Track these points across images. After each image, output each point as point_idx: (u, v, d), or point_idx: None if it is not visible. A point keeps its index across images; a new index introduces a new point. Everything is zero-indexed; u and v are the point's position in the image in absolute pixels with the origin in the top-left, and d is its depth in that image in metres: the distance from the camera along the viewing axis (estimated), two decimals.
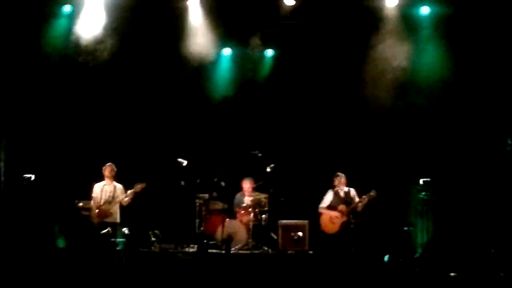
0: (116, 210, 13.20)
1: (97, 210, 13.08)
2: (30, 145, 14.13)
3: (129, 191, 13.09)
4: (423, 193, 13.21)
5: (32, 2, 13.79)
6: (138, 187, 13.04)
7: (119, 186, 13.27)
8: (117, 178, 13.33)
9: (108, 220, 13.05)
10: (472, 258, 12.24)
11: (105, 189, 13.23)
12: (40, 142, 14.26)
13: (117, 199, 13.13)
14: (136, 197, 13.14)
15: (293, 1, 13.84)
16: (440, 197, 13.46)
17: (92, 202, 13.16)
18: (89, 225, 13.03)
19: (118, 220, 13.18)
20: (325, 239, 13.22)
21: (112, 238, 12.71)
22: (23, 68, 14.05)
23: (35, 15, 13.90)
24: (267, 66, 15.24)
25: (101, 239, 12.66)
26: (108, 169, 13.26)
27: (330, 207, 13.35)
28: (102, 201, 13.14)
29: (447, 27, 13.94)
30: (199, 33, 14.21)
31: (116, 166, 13.38)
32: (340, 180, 13.41)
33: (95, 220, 13.05)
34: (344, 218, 13.13)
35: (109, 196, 13.14)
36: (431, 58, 13.98)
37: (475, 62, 13.78)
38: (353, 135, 14.59)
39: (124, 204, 13.18)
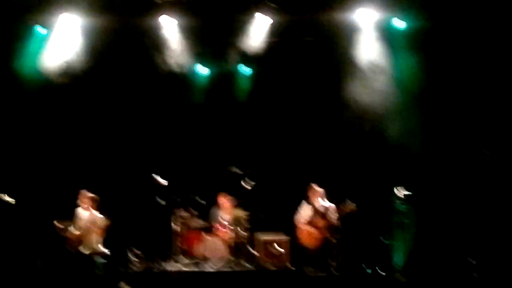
0: (97, 240, 13.00)
1: (76, 239, 12.90)
2: (6, 166, 13.97)
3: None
4: (401, 203, 13.14)
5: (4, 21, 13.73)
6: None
7: (99, 216, 13.09)
8: (94, 205, 13.23)
9: (86, 250, 12.89)
10: (453, 269, 12.33)
11: (84, 216, 13.09)
12: (16, 162, 14.11)
13: (96, 228, 12.97)
14: (113, 216, 13.08)
15: (271, 19, 13.85)
16: (419, 207, 13.39)
17: (72, 228, 12.95)
18: (68, 247, 12.91)
19: (98, 249, 12.98)
20: (305, 255, 13.07)
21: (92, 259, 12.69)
22: None
23: (7, 36, 13.87)
24: (244, 83, 15.27)
25: (80, 259, 12.67)
26: (86, 199, 13.16)
27: (310, 222, 13.16)
28: (82, 231, 12.93)
29: (424, 40, 13.93)
30: (173, 51, 14.15)
31: (93, 185, 13.35)
32: (315, 192, 13.29)
33: (74, 247, 12.89)
34: (325, 234, 12.98)
35: (87, 225, 12.97)
36: (408, 70, 13.97)
37: (451, 73, 13.81)
38: (331, 146, 14.59)
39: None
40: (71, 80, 14.00)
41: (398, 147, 13.91)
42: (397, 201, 13.17)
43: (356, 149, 14.38)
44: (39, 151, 14.37)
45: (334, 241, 12.90)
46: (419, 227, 13.31)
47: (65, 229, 12.90)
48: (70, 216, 13.14)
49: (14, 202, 13.09)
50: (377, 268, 12.69)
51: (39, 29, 13.97)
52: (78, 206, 13.20)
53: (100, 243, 12.98)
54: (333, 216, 13.04)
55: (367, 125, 14.13)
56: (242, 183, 13.53)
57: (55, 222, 12.96)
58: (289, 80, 14.87)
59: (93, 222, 13.00)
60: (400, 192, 13.15)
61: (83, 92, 14.40)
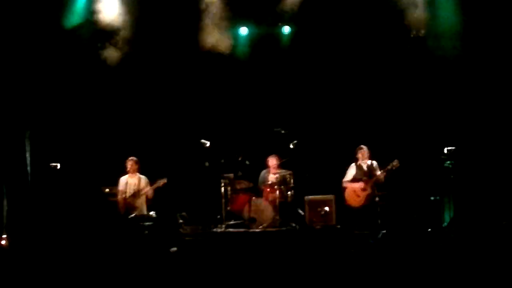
0: (142, 203, 13.24)
1: (123, 204, 13.14)
2: (54, 134, 14.19)
3: (151, 186, 13.17)
4: (448, 162, 12.94)
5: None
6: (160, 182, 13.09)
7: (143, 178, 13.32)
8: (140, 169, 13.40)
9: (135, 213, 13.03)
10: (500, 227, 12.06)
11: (130, 182, 13.28)
12: (64, 130, 14.29)
13: (142, 192, 13.18)
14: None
15: None
16: (466, 165, 13.23)
17: (118, 195, 13.20)
18: (116, 211, 13.12)
19: (144, 212, 13.16)
20: (351, 213, 13.12)
21: (140, 222, 12.76)
22: (44, 57, 14.07)
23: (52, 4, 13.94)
24: (285, 43, 15.09)
25: (129, 223, 12.77)
26: (129, 163, 13.31)
27: (354, 180, 13.25)
28: (128, 195, 13.16)
29: None
30: (214, 12, 14.05)
31: (140, 152, 13.50)
32: (363, 152, 13.28)
33: (123, 211, 13.13)
34: (369, 191, 12.99)
35: (134, 189, 13.19)
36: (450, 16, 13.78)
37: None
38: (374, 106, 14.46)
39: (150, 197, 13.22)
40: (114, 45, 14.08)
41: (443, 101, 13.86)
42: (443, 158, 13.01)
43: (400, 105, 14.29)
44: (86, 119, 14.52)
45: (377, 199, 12.93)
46: (465, 184, 13.23)
47: (114, 194, 13.14)
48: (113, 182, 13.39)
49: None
50: (423, 225, 12.64)
51: None
52: (126, 172, 13.38)
53: (146, 207, 13.22)
54: (378, 172, 13.05)
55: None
56: (288, 144, 13.51)
57: (103, 188, 13.20)
58: (331, 37, 14.59)
59: (140, 184, 13.23)
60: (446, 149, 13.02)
61: (127, 57, 14.33)
